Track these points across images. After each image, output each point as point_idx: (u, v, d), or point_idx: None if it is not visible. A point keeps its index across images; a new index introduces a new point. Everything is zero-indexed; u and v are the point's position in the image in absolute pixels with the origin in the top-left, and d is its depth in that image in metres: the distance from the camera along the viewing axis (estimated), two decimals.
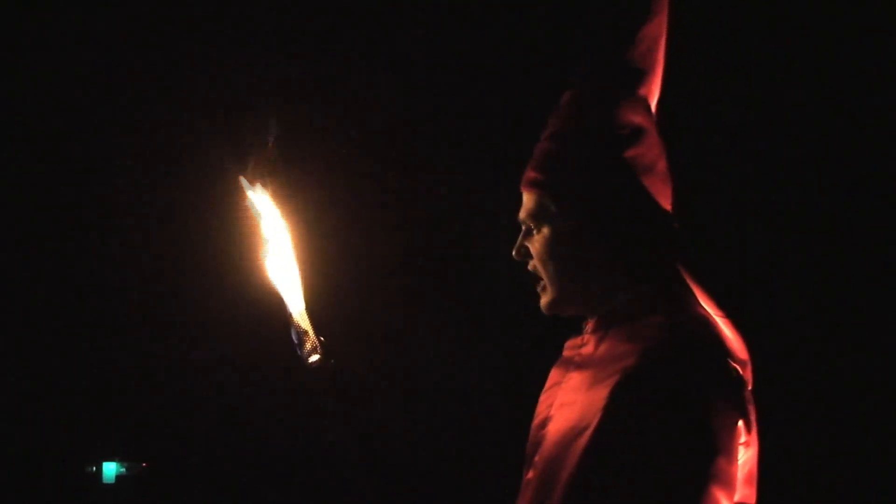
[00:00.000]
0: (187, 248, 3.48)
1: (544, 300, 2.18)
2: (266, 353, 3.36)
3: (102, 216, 3.64)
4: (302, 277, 2.18)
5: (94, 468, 3.49)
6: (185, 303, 3.54)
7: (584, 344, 2.16)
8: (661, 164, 2.14)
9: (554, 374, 2.22)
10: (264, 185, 2.19)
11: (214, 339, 3.52)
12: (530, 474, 2.12)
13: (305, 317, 2.15)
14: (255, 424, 3.50)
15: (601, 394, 2.00)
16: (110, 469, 3.50)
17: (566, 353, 2.22)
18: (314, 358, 2.14)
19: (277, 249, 2.19)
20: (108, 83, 3.51)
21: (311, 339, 2.14)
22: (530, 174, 2.17)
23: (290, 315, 2.15)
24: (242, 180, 2.19)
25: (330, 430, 2.16)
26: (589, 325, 2.18)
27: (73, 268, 3.65)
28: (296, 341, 2.16)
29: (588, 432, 1.98)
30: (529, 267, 2.19)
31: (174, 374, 3.60)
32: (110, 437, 3.60)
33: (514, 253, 2.20)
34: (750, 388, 2.03)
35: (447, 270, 3.32)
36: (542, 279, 2.16)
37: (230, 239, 2.88)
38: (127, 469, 3.50)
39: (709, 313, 2.07)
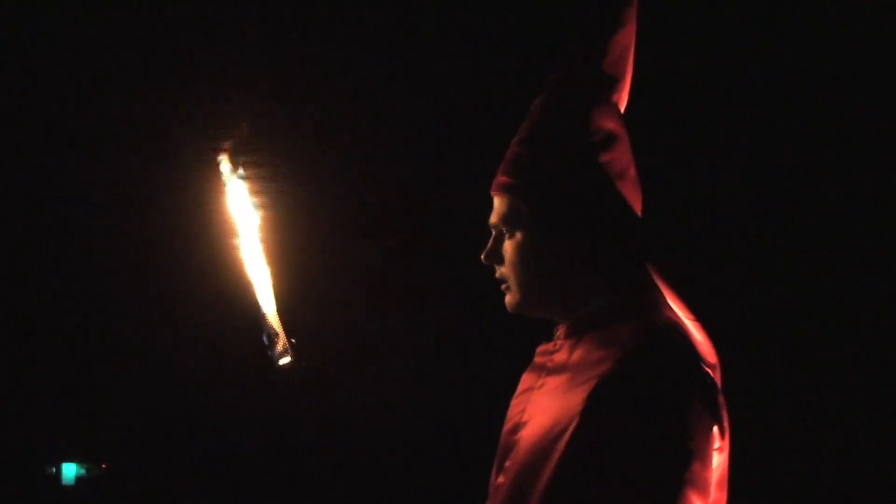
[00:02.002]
0: (153, 245, 3.45)
1: (510, 299, 2.18)
2: (233, 353, 3.35)
3: (62, 212, 3.59)
4: (273, 277, 2.17)
5: (54, 469, 3.47)
6: (148, 300, 3.51)
7: (557, 350, 2.16)
8: (632, 171, 2.16)
9: (526, 379, 2.22)
10: (241, 172, 2.18)
11: (178, 338, 3.49)
12: (501, 479, 2.12)
13: (277, 318, 2.15)
14: (219, 425, 3.48)
15: (577, 399, 2.00)
16: (70, 470, 3.47)
17: (538, 359, 2.22)
18: (285, 360, 2.14)
19: (250, 247, 2.19)
20: (82, 75, 3.46)
21: (282, 341, 2.14)
22: (501, 178, 2.17)
23: (262, 316, 2.15)
24: (221, 166, 2.18)
25: (299, 431, 2.16)
26: (561, 331, 2.19)
27: (31, 267, 3.61)
28: (266, 342, 2.16)
29: (565, 437, 1.99)
30: (497, 274, 2.19)
31: (135, 374, 3.57)
32: (70, 437, 3.57)
33: (483, 257, 2.20)
34: (720, 392, 2.05)
35: (422, 270, 3.32)
36: (509, 282, 2.17)
37: (199, 236, 2.88)
38: (87, 470, 3.48)
39: (680, 318, 2.08)
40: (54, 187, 3.59)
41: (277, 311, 2.15)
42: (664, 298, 2.11)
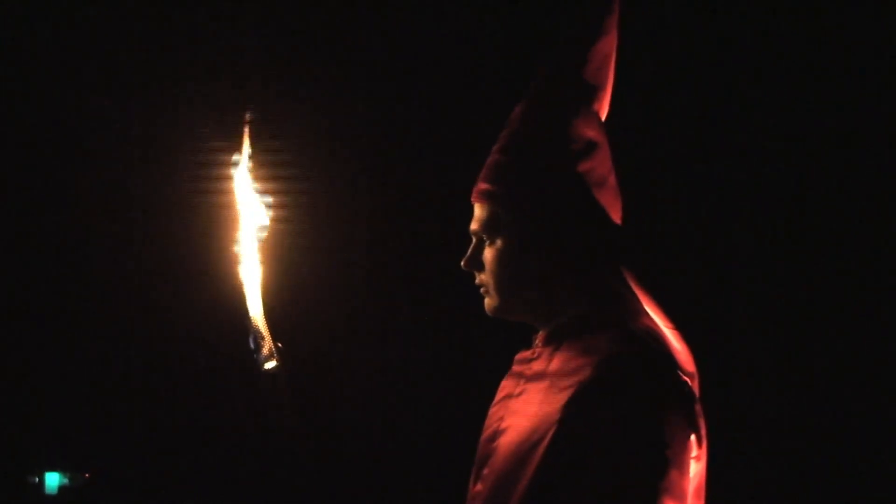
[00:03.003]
0: (141, 252, 3.43)
1: (489, 303, 2.19)
2: (219, 358, 3.34)
3: (38, 219, 3.57)
4: (262, 280, 2.18)
5: (37, 479, 3.45)
6: (131, 307, 3.50)
7: (535, 357, 2.17)
8: (612, 179, 2.17)
9: (504, 387, 2.23)
10: (246, 169, 2.19)
11: (163, 345, 3.48)
12: (479, 487, 2.13)
13: (263, 321, 2.16)
14: (204, 432, 3.48)
15: (555, 406, 2.01)
16: (53, 479, 3.46)
17: (516, 367, 2.23)
18: (270, 364, 2.14)
19: (243, 248, 2.19)
20: (83, 74, 3.45)
21: (268, 345, 2.15)
22: (482, 185, 2.18)
23: (249, 319, 2.16)
24: (231, 163, 2.19)
25: (285, 435, 2.16)
26: (539, 338, 2.20)
27: (10, 274, 3.59)
28: (252, 346, 2.17)
29: (542, 445, 2.00)
30: (477, 281, 2.20)
31: (120, 382, 3.56)
32: (53, 446, 3.56)
33: (463, 264, 2.21)
34: (698, 400, 2.07)
35: (415, 275, 3.32)
36: (489, 288, 2.18)
37: (184, 241, 2.89)
38: (70, 480, 3.47)
39: (658, 326, 2.10)
40: (32, 189, 3.56)
41: (264, 313, 2.16)
42: (642, 307, 2.12)
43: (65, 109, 3.47)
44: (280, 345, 2.15)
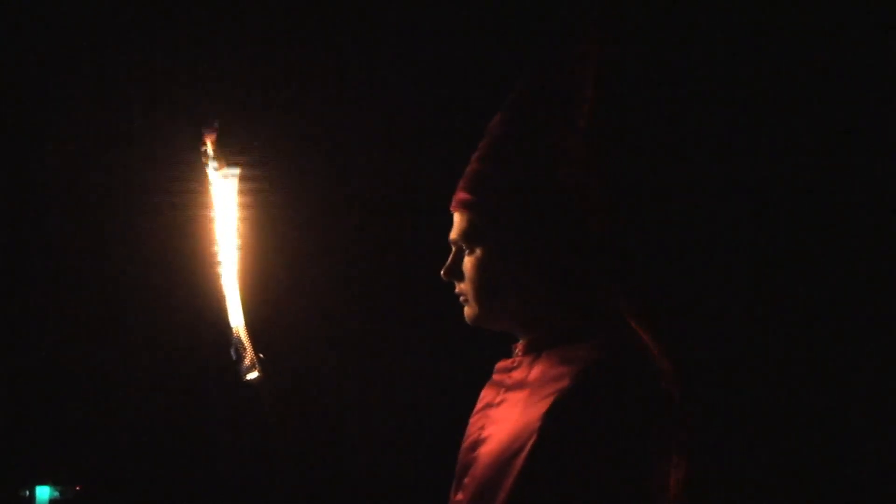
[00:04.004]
0: (127, 257, 3.42)
1: (468, 312, 2.20)
2: (205, 369, 3.34)
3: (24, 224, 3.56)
4: (242, 290, 2.19)
5: (27, 492, 3.44)
6: (118, 317, 3.49)
7: (516, 367, 2.18)
8: (593, 189, 2.18)
9: (485, 396, 2.24)
10: (226, 171, 2.19)
11: (153, 356, 3.48)
12: (460, 496, 2.13)
13: (245, 332, 2.17)
14: (193, 443, 3.47)
15: (536, 415, 2.02)
16: (44, 493, 3.45)
17: (496, 376, 2.24)
18: (253, 375, 2.15)
19: (223, 255, 2.20)
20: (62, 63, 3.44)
21: (250, 356, 2.16)
22: (461, 195, 2.20)
23: (230, 329, 2.16)
24: (207, 163, 2.19)
25: (268, 447, 2.17)
26: (519, 347, 2.21)
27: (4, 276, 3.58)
28: (234, 357, 2.17)
29: (523, 454, 2.01)
30: (457, 290, 2.21)
31: (111, 393, 3.55)
32: (44, 459, 3.55)
33: (443, 273, 2.22)
34: (680, 409, 2.08)
35: (400, 282, 3.32)
36: (468, 297, 2.19)
37: (165, 247, 2.88)
38: (61, 493, 3.46)
39: (640, 335, 2.11)
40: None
41: (246, 324, 2.17)
42: (623, 316, 2.13)
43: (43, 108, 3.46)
44: (262, 356, 2.15)
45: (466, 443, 2.19)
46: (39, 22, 3.42)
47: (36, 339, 3.55)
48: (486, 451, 2.11)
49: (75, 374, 3.56)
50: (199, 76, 3.27)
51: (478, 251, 2.17)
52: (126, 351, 3.51)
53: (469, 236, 2.17)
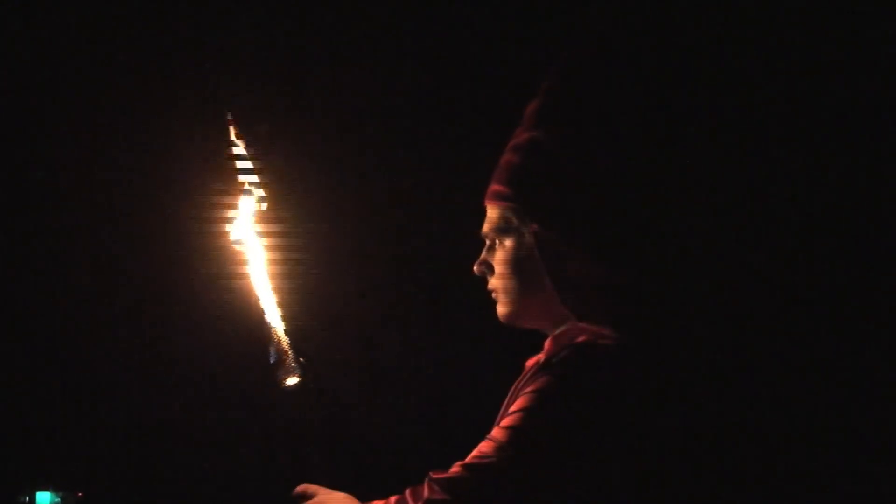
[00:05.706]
0: (149, 258, 3.36)
1: (500, 309, 2.19)
2: (219, 374, 3.29)
3: (39, 224, 3.48)
4: (281, 292, 2.14)
5: (28, 498, 3.39)
6: (139, 319, 3.43)
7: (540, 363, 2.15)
8: (630, 180, 2.17)
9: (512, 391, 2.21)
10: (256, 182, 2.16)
11: (166, 359, 3.42)
12: None
13: (284, 335, 2.11)
14: (200, 451, 3.42)
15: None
16: (45, 499, 3.40)
17: (524, 374, 2.21)
18: (292, 379, 2.09)
19: (259, 260, 2.16)
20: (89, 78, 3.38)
21: (290, 359, 2.10)
22: (495, 187, 2.18)
23: (270, 333, 2.10)
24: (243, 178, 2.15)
25: (305, 455, 2.11)
26: (547, 344, 2.18)
27: (5, 282, 3.51)
28: (273, 361, 2.11)
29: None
30: (489, 285, 2.19)
31: (113, 398, 3.50)
32: (44, 465, 3.50)
33: (475, 268, 2.21)
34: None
35: (439, 286, 3.28)
36: (498, 292, 2.17)
37: (202, 249, 2.81)
38: (62, 499, 3.41)
39: (632, 338, 2.09)
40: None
41: (285, 327, 2.11)
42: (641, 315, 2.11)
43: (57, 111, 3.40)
44: (302, 360, 2.09)
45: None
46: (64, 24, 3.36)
47: (40, 347, 3.49)
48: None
49: (80, 380, 3.51)
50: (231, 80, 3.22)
51: (507, 244, 2.15)
52: (128, 355, 3.46)
53: (500, 230, 2.16)
